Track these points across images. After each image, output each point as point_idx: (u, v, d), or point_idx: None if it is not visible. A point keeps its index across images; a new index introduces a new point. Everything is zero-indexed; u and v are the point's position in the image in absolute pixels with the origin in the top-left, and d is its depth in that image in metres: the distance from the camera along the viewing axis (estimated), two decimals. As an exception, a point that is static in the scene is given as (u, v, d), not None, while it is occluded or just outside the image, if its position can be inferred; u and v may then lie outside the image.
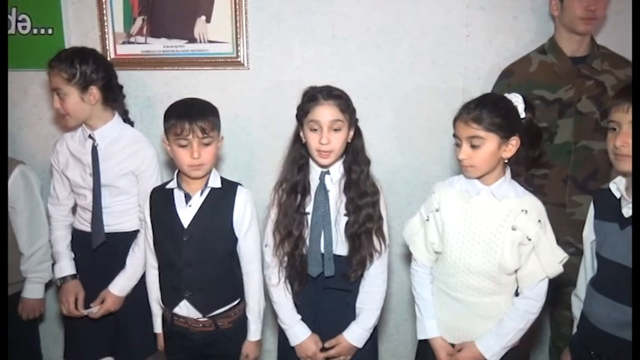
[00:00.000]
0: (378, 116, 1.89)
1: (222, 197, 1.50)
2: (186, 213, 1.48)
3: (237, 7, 1.85)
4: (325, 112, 1.40)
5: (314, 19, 1.87)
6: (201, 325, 1.50)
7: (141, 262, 1.63)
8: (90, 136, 1.63)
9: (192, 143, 1.41)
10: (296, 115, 1.47)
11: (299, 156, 1.51)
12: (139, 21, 1.90)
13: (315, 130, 1.42)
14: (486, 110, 1.29)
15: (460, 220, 1.37)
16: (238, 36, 1.88)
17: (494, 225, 1.33)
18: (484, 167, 1.32)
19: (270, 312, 1.64)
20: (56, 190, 1.72)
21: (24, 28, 1.91)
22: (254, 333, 1.55)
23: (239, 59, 1.90)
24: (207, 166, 1.46)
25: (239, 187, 1.53)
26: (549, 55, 1.69)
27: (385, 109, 1.90)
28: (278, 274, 1.51)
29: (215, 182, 1.50)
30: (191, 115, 1.41)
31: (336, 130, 1.41)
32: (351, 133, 1.47)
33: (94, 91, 1.58)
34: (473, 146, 1.30)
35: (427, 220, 1.44)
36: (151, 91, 1.95)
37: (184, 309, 1.50)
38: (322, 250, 1.47)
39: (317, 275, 1.48)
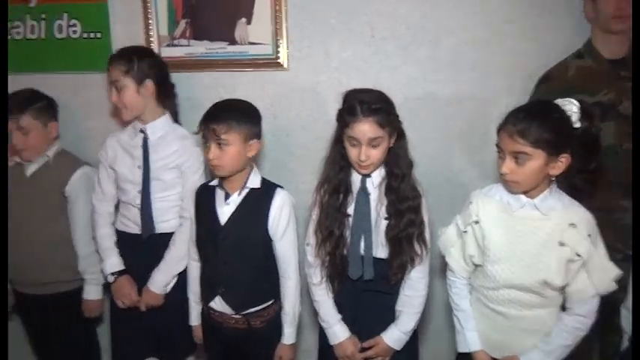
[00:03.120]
0: (419, 117, 1.86)
1: (260, 198, 1.52)
2: (224, 211, 1.52)
3: (277, 8, 1.86)
4: (364, 130, 1.37)
5: (353, 19, 1.86)
6: (234, 321, 1.55)
7: (176, 258, 1.69)
8: (141, 130, 1.70)
9: (210, 144, 1.45)
10: (336, 119, 1.47)
11: (340, 157, 1.50)
12: (182, 24, 1.95)
13: (354, 145, 1.41)
14: (535, 124, 1.20)
15: (502, 234, 1.31)
16: (278, 37, 1.89)
17: (540, 240, 1.27)
18: (528, 184, 1.25)
19: (310, 311, 1.65)
20: (102, 185, 1.77)
21: (74, 32, 1.98)
22: (288, 336, 1.57)
23: (278, 60, 1.91)
24: (226, 167, 1.47)
25: (278, 189, 1.54)
26: (586, 59, 1.64)
27: (426, 109, 1.88)
28: (320, 273, 1.53)
29: (254, 183, 1.53)
30: (208, 117, 1.47)
31: (375, 146, 1.40)
32: (393, 140, 1.45)
33: (149, 85, 1.67)
34: (517, 161, 1.22)
35: (465, 232, 1.39)
36: (192, 93, 1.99)
37: (219, 304, 1.55)
38: (362, 252, 1.47)
39: (357, 278, 1.49)
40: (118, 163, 1.72)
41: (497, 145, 1.28)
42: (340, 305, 1.54)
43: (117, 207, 1.81)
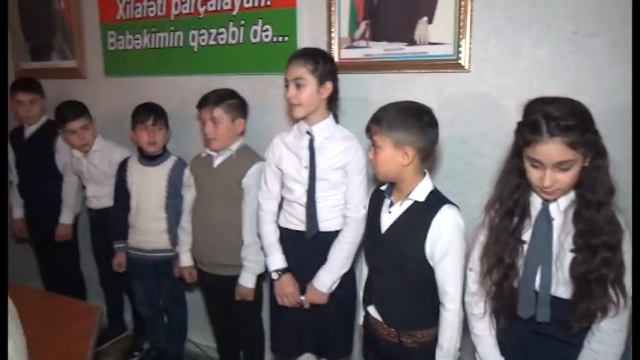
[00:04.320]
0: (626, 131, 1.53)
1: (421, 213, 1.41)
2: (386, 219, 1.47)
3: (462, 4, 1.72)
4: (549, 152, 1.13)
5: (550, 13, 1.61)
6: (386, 332, 1.49)
7: (343, 258, 1.69)
8: (307, 132, 1.74)
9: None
10: (515, 132, 1.24)
11: (517, 173, 1.26)
12: (362, 25, 1.94)
13: (536, 167, 1.18)
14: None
15: None
16: (461, 36, 1.75)
17: None
18: None
19: (471, 345, 1.49)
20: (268, 184, 1.85)
21: (266, 37, 2.14)
22: None
23: (459, 61, 1.77)
24: (380, 171, 1.46)
25: (444, 206, 1.39)
26: None
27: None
28: (483, 305, 1.35)
29: (419, 194, 1.43)
30: (372, 118, 1.46)
31: (564, 169, 1.15)
32: (588, 159, 1.17)
33: (329, 86, 1.71)
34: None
35: None
36: (369, 94, 1.97)
37: (373, 311, 1.52)
38: (537, 288, 1.24)
39: (528, 317, 1.26)
40: (285, 163, 1.79)
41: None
42: (505, 347, 1.34)
43: (280, 204, 1.89)
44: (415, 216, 1.42)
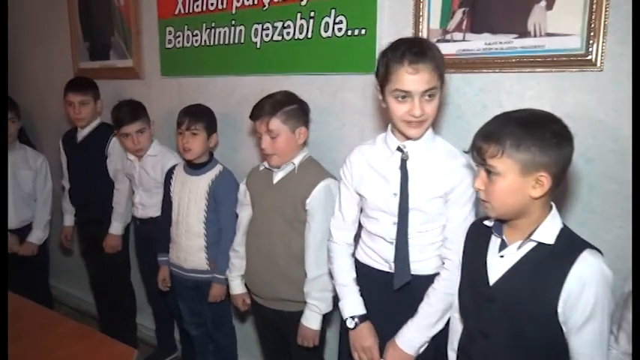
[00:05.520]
0: None
1: (551, 261, 1.04)
2: (496, 265, 1.10)
3: (596, -16, 1.33)
4: None
5: None
6: None
7: (432, 315, 1.32)
8: (399, 148, 1.37)
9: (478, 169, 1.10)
10: None
11: None
12: (458, 14, 1.58)
13: None
14: None
15: None
16: (592, 25, 1.35)
17: None
18: None
19: None
20: (343, 211, 1.50)
21: (339, 30, 1.82)
22: None
23: (589, 57, 1.37)
24: (494, 207, 1.09)
25: (586, 252, 1.03)
26: None
27: None
28: None
29: (545, 234, 1.05)
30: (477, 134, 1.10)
31: None
32: None
33: (444, 90, 1.38)
34: None
35: None
36: (464, 99, 1.61)
37: None
38: None
39: None
40: (367, 188, 1.43)
41: None
42: None
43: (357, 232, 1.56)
44: (542, 264, 1.05)
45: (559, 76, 1.44)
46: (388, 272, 1.39)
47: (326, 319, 1.70)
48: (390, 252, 1.38)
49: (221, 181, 1.98)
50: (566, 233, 1.06)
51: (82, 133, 2.48)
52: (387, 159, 1.39)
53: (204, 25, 2.23)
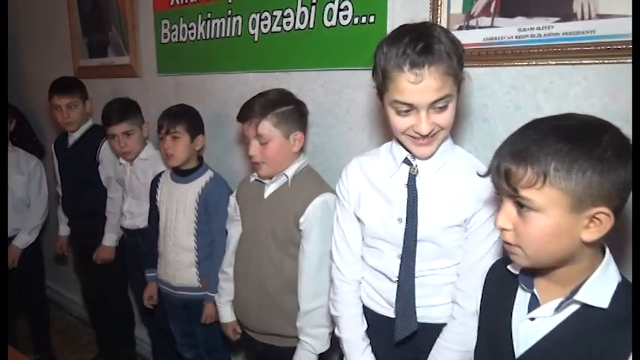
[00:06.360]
0: None
1: (606, 331, 0.75)
2: (525, 330, 0.82)
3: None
4: None
5: None
6: None
7: None
8: (406, 160, 1.09)
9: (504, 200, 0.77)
10: None
11: None
12: (485, -5, 1.30)
13: None
14: None
15: None
16: (658, 3, 1.06)
17: None
18: None
19: None
20: (348, 238, 1.21)
21: (344, 17, 1.56)
22: None
23: (652, 44, 1.08)
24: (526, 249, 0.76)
25: None
26: None
27: None
28: None
29: (595, 294, 0.76)
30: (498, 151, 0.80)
31: None
32: None
33: (464, 89, 1.11)
34: None
35: None
36: (491, 98, 1.33)
37: None
38: None
39: None
40: (365, 209, 1.15)
41: None
42: None
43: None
44: (592, 335, 0.75)
45: (613, 69, 1.14)
46: (393, 318, 1.12)
47: (322, 356, 1.45)
48: (393, 293, 1.11)
49: (212, 188, 1.76)
50: (624, 290, 0.77)
51: (72, 137, 2.31)
52: (391, 174, 1.11)
53: (199, 16, 2.01)
